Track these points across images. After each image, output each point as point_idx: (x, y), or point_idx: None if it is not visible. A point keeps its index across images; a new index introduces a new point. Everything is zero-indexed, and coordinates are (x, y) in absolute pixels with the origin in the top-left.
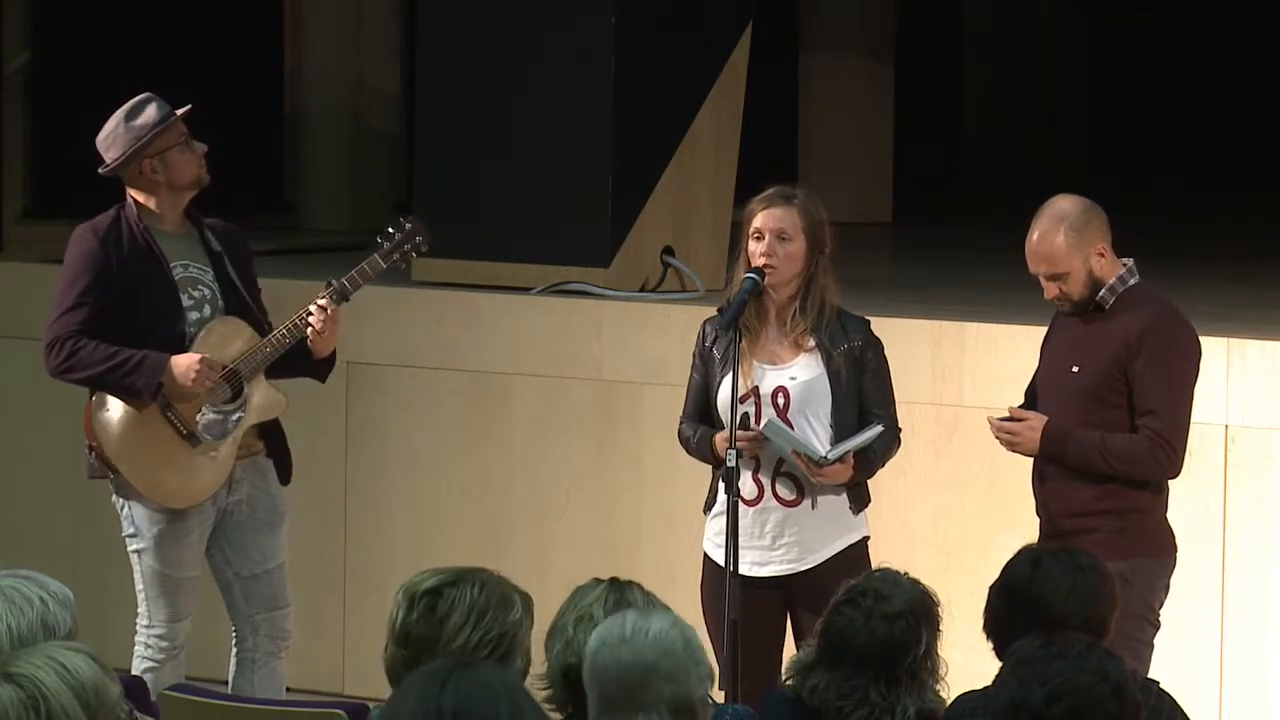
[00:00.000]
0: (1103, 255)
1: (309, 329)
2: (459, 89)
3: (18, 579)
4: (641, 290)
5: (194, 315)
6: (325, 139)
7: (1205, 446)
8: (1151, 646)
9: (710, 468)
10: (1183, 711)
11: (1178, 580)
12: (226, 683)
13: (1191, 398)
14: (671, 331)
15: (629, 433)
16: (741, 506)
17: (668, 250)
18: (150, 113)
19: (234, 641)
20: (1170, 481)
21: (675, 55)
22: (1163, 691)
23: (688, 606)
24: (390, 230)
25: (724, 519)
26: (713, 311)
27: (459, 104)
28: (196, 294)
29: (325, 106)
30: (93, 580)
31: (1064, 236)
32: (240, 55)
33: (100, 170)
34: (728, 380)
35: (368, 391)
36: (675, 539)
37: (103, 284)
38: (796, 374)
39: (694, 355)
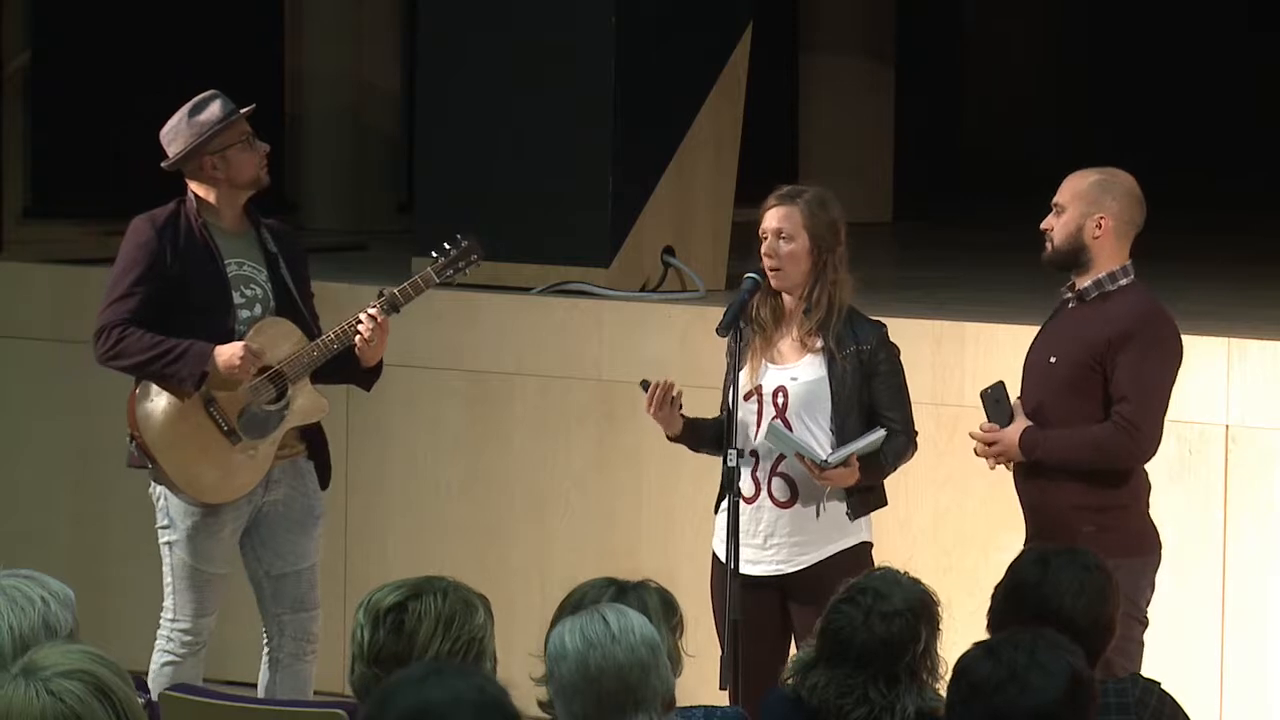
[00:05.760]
0: (1100, 227)
1: (357, 337)
2: (459, 89)
3: (18, 578)
4: (641, 290)
5: (244, 313)
6: (325, 139)
7: (1205, 446)
8: (1142, 645)
9: (717, 467)
10: (1184, 712)
11: (1178, 580)
12: (247, 684)
13: (1167, 389)
14: (671, 331)
15: (629, 433)
16: (742, 503)
17: (668, 250)
18: (214, 109)
19: (264, 642)
20: (1170, 482)
21: (675, 55)
22: (1164, 692)
23: (688, 607)
24: (446, 245)
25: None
26: (713, 311)
27: (459, 104)
28: (249, 292)
29: (325, 107)
30: (93, 580)
31: (1089, 183)
32: (240, 55)
33: (162, 165)
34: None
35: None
36: (675, 539)
37: (155, 275)
38: (798, 374)
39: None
